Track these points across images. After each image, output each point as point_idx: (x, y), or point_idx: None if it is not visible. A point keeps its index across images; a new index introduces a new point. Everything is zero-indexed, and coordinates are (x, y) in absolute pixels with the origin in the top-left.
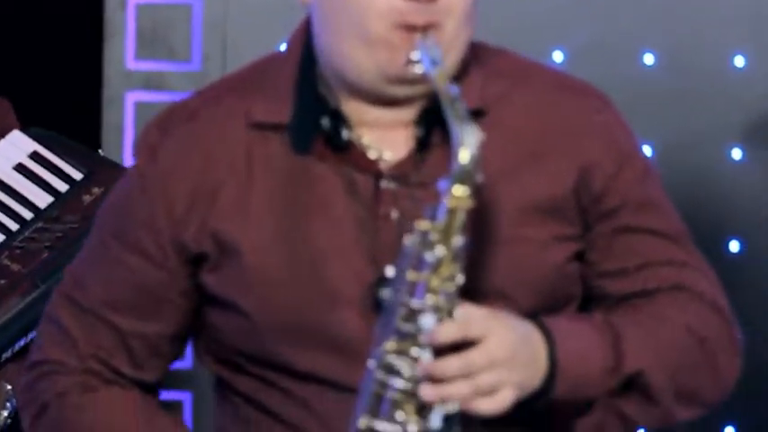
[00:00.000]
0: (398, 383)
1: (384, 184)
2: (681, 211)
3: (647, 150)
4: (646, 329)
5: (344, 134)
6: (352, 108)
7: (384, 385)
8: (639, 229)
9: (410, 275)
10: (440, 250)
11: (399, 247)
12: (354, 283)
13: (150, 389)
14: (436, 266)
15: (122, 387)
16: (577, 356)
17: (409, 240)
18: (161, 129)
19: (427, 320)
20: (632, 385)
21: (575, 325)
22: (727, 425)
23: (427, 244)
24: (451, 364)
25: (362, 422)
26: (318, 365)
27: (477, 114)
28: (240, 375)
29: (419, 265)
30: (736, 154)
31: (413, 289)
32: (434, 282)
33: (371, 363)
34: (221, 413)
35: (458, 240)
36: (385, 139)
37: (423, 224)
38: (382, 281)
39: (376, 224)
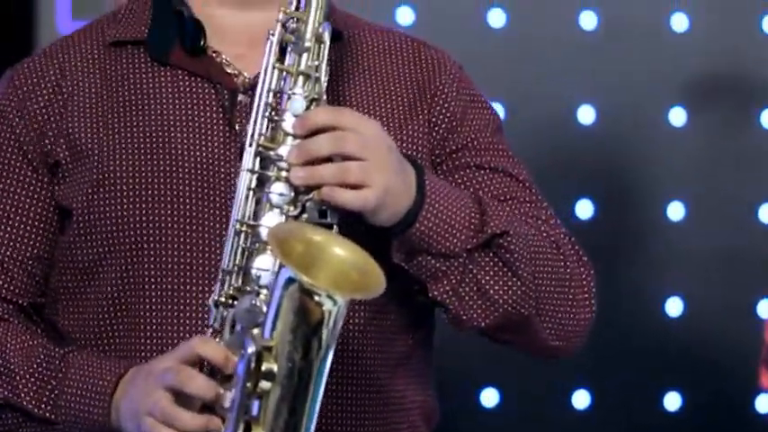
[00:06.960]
0: (273, 171)
1: (240, 97)
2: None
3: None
4: (510, 214)
5: (201, 42)
6: (208, 14)
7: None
8: (493, 168)
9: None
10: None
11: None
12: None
13: (33, 312)
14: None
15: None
16: (445, 199)
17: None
18: (19, 63)
19: (297, 104)
20: (492, 247)
21: (442, 180)
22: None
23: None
24: (321, 138)
25: (238, 223)
26: None
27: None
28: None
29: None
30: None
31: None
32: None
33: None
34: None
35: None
36: (245, 57)
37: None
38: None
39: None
